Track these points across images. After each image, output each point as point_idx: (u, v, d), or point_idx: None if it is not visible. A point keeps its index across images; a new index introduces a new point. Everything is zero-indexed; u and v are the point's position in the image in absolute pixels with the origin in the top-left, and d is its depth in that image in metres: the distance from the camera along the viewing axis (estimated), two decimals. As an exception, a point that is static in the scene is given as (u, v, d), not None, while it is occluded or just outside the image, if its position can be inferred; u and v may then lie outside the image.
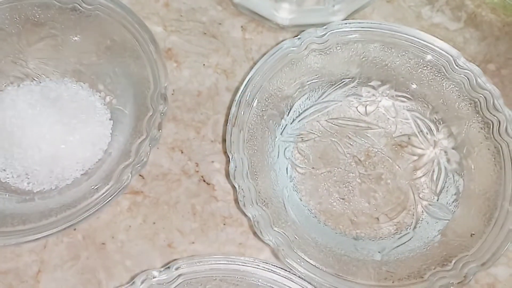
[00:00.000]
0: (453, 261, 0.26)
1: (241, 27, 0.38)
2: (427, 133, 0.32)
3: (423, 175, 0.31)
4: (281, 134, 0.32)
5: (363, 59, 0.32)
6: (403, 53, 0.32)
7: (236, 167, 0.28)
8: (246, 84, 0.30)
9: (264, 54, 0.31)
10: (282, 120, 0.32)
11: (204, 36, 0.37)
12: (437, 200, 0.30)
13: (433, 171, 0.31)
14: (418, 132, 0.32)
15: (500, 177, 0.28)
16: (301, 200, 0.31)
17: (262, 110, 0.31)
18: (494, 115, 0.29)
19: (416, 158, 0.32)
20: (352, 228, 0.30)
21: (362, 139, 0.33)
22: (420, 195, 0.31)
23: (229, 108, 0.35)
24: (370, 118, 0.33)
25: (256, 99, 0.30)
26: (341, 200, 0.31)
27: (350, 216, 0.31)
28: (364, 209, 0.31)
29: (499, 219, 0.27)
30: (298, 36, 0.32)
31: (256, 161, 0.29)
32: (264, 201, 0.27)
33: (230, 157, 0.28)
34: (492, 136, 0.29)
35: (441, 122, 0.32)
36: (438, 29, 0.39)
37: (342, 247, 0.28)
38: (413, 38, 0.31)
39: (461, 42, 0.38)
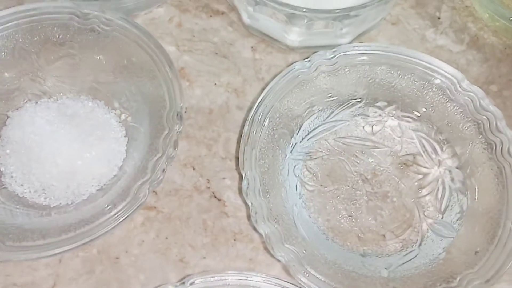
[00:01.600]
0: (458, 278, 0.27)
1: (252, 47, 0.39)
2: (432, 153, 0.34)
3: (428, 194, 0.33)
4: (291, 152, 0.33)
5: (370, 80, 0.34)
6: (409, 75, 0.33)
7: (248, 184, 0.29)
8: (258, 104, 0.32)
9: (276, 75, 0.33)
10: (292, 138, 0.33)
11: (216, 56, 0.39)
12: (442, 218, 0.31)
13: (438, 190, 0.32)
14: (423, 152, 0.34)
15: (503, 197, 0.29)
16: (310, 217, 0.32)
17: (273, 129, 0.32)
18: (497, 136, 0.30)
19: (421, 177, 0.33)
20: (359, 244, 0.31)
21: (369, 157, 0.34)
22: (425, 213, 0.32)
23: (240, 126, 0.36)
24: (377, 138, 0.35)
25: (268, 119, 0.31)
26: (348, 217, 0.32)
27: (357, 233, 0.32)
28: (371, 226, 0.32)
29: (502, 238, 0.28)
30: (308, 59, 0.33)
31: (268, 179, 0.30)
32: (276, 218, 0.29)
33: (243, 175, 0.30)
34: (495, 156, 0.30)
35: (446, 142, 0.33)
36: (442, 51, 0.40)
37: (350, 263, 0.29)
38: (418, 60, 0.33)
39: (464, 64, 0.40)
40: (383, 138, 0.35)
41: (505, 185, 0.29)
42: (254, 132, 0.31)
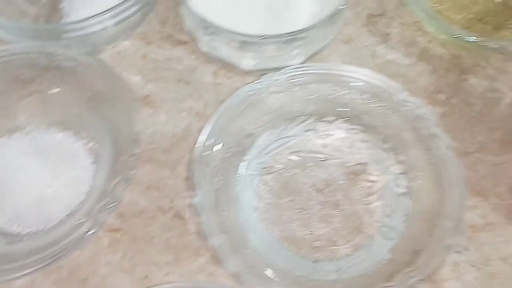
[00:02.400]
0: (399, 276, 0.29)
1: (212, 73, 0.42)
2: (379, 161, 0.36)
3: (377, 200, 0.35)
4: (246, 168, 0.35)
5: (317, 97, 0.36)
6: (353, 91, 0.35)
7: (202, 201, 0.32)
8: (211, 125, 0.34)
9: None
10: (247, 155, 0.36)
11: (179, 83, 0.42)
12: (389, 222, 0.33)
13: (385, 196, 0.34)
14: (371, 161, 0.36)
15: (441, 198, 0.31)
16: (265, 228, 0.34)
17: (227, 148, 0.34)
18: (435, 142, 0.33)
19: (370, 185, 0.35)
20: (312, 252, 0.33)
21: (321, 169, 0.36)
22: (374, 218, 0.34)
23: (200, 147, 0.39)
24: (328, 150, 0.37)
25: (221, 138, 0.34)
26: (302, 226, 0.34)
27: (311, 241, 0.34)
28: (324, 233, 0.34)
29: (440, 236, 0.30)
30: (258, 80, 0.36)
31: (222, 195, 0.33)
32: (226, 231, 0.31)
33: (196, 193, 0.32)
34: (433, 160, 0.32)
35: (391, 150, 0.35)
36: (391, 65, 0.43)
37: (301, 269, 0.31)
38: (360, 76, 0.35)
39: (414, 76, 0.42)
40: (334, 150, 0.37)
41: (442, 186, 0.31)
42: (208, 151, 0.33)
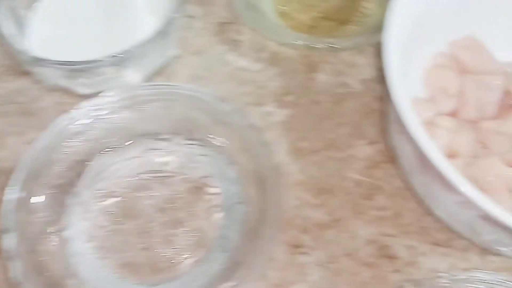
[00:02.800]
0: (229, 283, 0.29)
1: (56, 102, 0.41)
2: (219, 174, 0.36)
3: (218, 212, 0.35)
4: (78, 197, 0.35)
5: (151, 116, 0.36)
6: (183, 107, 0.35)
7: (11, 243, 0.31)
8: (23, 162, 0.33)
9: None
10: (80, 183, 0.35)
11: (22, 115, 0.41)
12: (226, 234, 0.33)
13: (225, 207, 0.35)
14: (212, 174, 0.36)
15: (264, 206, 0.31)
16: (99, 259, 0.33)
17: (55, 178, 0.34)
18: (261, 150, 0.33)
19: (212, 198, 0.35)
20: (152, 275, 0.33)
21: (165, 188, 0.36)
22: (215, 231, 0.34)
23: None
24: (170, 167, 0.37)
25: (36, 174, 0.33)
26: (143, 250, 0.34)
27: (152, 264, 0.34)
28: (166, 254, 0.34)
29: (261, 245, 0.30)
30: (79, 106, 0.36)
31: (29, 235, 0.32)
32: (41, 272, 0.30)
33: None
34: (260, 169, 0.33)
35: (228, 162, 0.35)
36: (242, 72, 0.43)
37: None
38: (183, 91, 0.35)
39: (264, 81, 0.42)
40: (176, 167, 0.37)
41: (266, 194, 0.31)
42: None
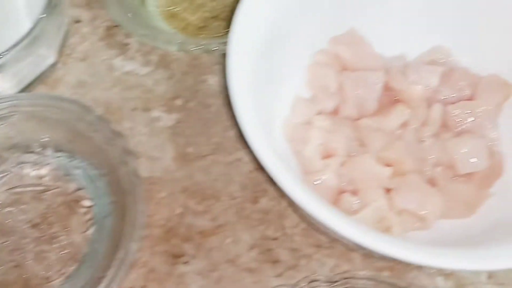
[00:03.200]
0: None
1: None
2: (91, 186, 0.35)
3: (91, 225, 0.34)
4: None
5: (15, 130, 0.35)
6: (47, 119, 0.34)
7: None
8: None
9: None
10: None
11: None
12: (96, 246, 0.33)
13: (96, 220, 0.34)
14: (86, 186, 0.35)
15: (128, 218, 0.31)
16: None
17: None
18: (122, 161, 0.32)
19: (86, 210, 0.35)
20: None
21: (39, 202, 0.35)
22: (87, 245, 0.33)
23: None
24: (46, 181, 0.36)
25: None
26: (15, 268, 0.33)
27: (24, 281, 0.33)
28: (37, 271, 0.33)
29: (124, 258, 0.29)
30: None
31: None
32: None
33: None
34: (122, 179, 0.32)
35: (99, 174, 0.35)
36: (129, 76, 0.42)
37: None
38: (48, 101, 0.34)
39: (151, 84, 0.42)
40: (52, 180, 0.36)
41: (130, 207, 0.31)
42: None
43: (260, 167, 0.38)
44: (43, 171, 0.36)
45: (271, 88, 0.35)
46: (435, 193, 0.33)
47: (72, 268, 0.33)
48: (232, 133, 0.40)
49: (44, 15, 0.36)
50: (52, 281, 0.33)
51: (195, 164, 0.38)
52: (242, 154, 0.39)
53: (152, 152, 0.39)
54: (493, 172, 0.35)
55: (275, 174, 0.28)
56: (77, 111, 0.33)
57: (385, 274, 0.35)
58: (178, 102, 0.41)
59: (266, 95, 0.34)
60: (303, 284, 0.33)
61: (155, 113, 0.40)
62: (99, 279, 0.29)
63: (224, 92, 0.41)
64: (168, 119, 0.40)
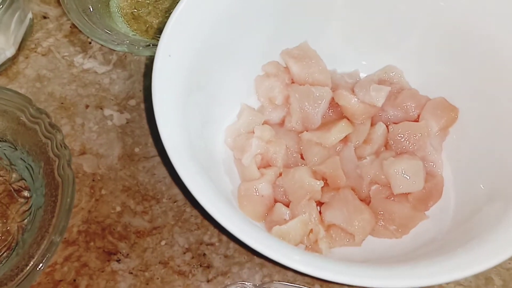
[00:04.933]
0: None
1: None
2: (31, 178, 0.37)
3: (27, 215, 0.36)
4: None
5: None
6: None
7: None
8: None
9: None
10: None
11: None
12: (26, 237, 0.35)
13: (32, 211, 0.36)
14: (27, 177, 0.37)
15: (58, 213, 0.33)
16: None
17: None
18: (57, 154, 0.34)
19: (25, 201, 0.37)
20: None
21: (-19, 190, 0.37)
22: (20, 234, 0.35)
23: None
24: (-11, 170, 0.38)
25: None
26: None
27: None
28: (-30, 257, 0.35)
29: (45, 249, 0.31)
30: None
31: None
32: None
33: None
34: (56, 172, 0.34)
35: (39, 165, 0.37)
36: (87, 74, 0.44)
37: None
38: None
39: (107, 83, 0.44)
40: (-5, 169, 0.38)
41: (60, 201, 0.33)
42: None
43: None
44: (-12, 160, 0.38)
45: (214, 97, 0.37)
46: (366, 210, 0.35)
47: (3, 254, 0.35)
48: (181, 137, 0.42)
49: (1, 6, 0.38)
50: (-17, 266, 0.35)
51: (140, 165, 0.40)
52: (188, 158, 0.41)
53: (100, 150, 0.41)
54: (430, 195, 0.37)
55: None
56: (20, 103, 0.35)
57: (316, 287, 0.37)
58: (132, 102, 0.43)
59: (206, 104, 0.36)
60: (228, 289, 0.34)
61: (108, 112, 0.42)
62: (23, 267, 0.31)
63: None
64: (119, 118, 0.42)
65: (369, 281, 0.26)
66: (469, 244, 0.29)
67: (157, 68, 0.32)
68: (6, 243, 0.35)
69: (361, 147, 0.38)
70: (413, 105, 0.39)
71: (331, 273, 0.27)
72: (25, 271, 0.31)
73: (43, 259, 0.31)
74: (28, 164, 0.37)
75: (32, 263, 0.31)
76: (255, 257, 0.37)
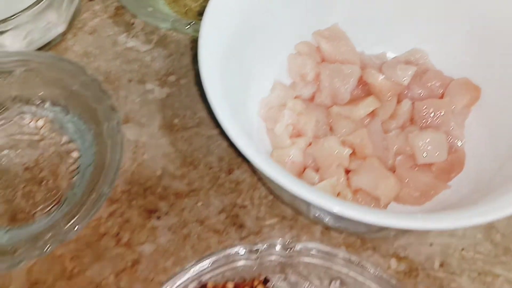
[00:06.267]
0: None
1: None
2: (80, 139, 0.41)
3: (76, 173, 0.40)
4: None
5: (19, 83, 0.41)
6: (48, 76, 0.41)
7: None
8: None
9: None
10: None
11: None
12: (76, 191, 0.39)
13: (81, 169, 0.40)
14: (76, 139, 0.42)
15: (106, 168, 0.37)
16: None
17: None
18: (107, 117, 0.39)
19: (73, 161, 0.41)
20: (9, 223, 0.39)
21: (35, 150, 0.42)
22: (69, 189, 0.40)
23: None
24: (42, 131, 0.42)
25: None
26: (5, 202, 0.40)
27: (10, 215, 0.39)
28: (25, 207, 0.39)
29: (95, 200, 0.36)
30: None
31: None
32: None
33: None
34: (106, 133, 0.38)
35: (88, 128, 0.41)
36: (130, 52, 0.49)
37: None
38: (50, 60, 0.41)
39: (149, 61, 0.48)
40: (48, 131, 0.42)
41: (108, 157, 0.37)
42: None
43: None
44: (40, 122, 0.42)
45: (249, 72, 0.41)
46: (391, 177, 0.39)
47: (54, 207, 0.39)
48: (217, 110, 0.46)
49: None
50: (36, 216, 0.39)
51: (179, 134, 0.45)
52: (222, 129, 0.45)
53: (142, 119, 0.45)
54: (452, 167, 0.41)
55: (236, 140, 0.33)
56: (73, 71, 0.40)
57: (342, 249, 0.40)
58: (171, 78, 0.48)
59: (242, 78, 0.40)
60: (261, 247, 0.38)
61: (149, 86, 0.47)
62: (73, 216, 0.35)
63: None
64: (159, 92, 0.47)
65: (416, 223, 0.30)
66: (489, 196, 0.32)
67: (202, 39, 0.36)
68: (55, 197, 0.40)
69: (387, 122, 0.42)
70: (437, 84, 0.43)
71: (376, 216, 0.30)
72: (74, 220, 0.35)
73: (93, 209, 0.35)
74: (79, 127, 0.41)
75: (81, 213, 0.35)
76: (284, 220, 0.41)
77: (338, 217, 0.33)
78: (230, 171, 0.43)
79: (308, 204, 0.35)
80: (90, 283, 0.38)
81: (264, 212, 0.41)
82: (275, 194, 0.41)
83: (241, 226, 0.41)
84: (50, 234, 0.35)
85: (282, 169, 0.32)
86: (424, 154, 0.40)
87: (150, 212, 0.41)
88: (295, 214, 0.41)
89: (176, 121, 0.45)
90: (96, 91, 0.39)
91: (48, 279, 0.38)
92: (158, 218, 0.41)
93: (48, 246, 0.35)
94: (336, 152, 0.39)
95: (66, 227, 0.36)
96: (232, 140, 0.33)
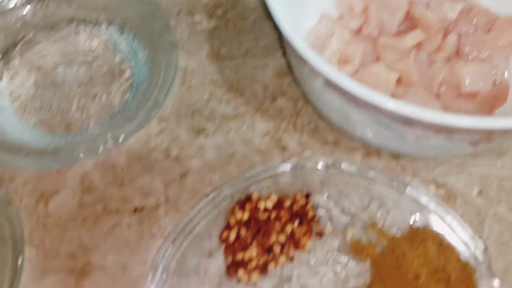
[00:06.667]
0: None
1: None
2: (134, 58, 0.43)
3: (128, 91, 0.42)
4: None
5: (76, 2, 0.44)
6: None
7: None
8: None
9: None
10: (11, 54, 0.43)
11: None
12: (129, 105, 0.41)
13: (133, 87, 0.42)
14: (129, 58, 0.44)
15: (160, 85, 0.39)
16: (21, 117, 0.41)
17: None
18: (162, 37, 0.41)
19: (126, 79, 0.43)
20: (63, 131, 0.41)
21: (88, 67, 0.44)
22: (121, 104, 0.42)
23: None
24: (97, 50, 0.44)
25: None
26: (61, 113, 0.42)
27: (65, 126, 0.41)
28: (78, 119, 0.42)
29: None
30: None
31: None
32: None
33: None
34: (160, 49, 0.40)
35: (142, 48, 0.43)
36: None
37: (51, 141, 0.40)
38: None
39: (197, -8, 0.50)
40: (102, 50, 0.44)
41: (161, 75, 0.39)
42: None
43: (283, 74, 0.45)
44: (95, 42, 0.44)
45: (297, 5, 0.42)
46: (436, 103, 0.40)
47: (105, 120, 0.41)
48: (262, 43, 0.47)
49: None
50: (87, 125, 0.41)
51: (226, 63, 0.46)
52: (268, 60, 0.46)
53: (190, 48, 0.47)
54: (496, 98, 0.41)
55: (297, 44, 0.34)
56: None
57: (382, 172, 0.41)
58: (219, 11, 0.49)
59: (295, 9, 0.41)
60: (305, 163, 0.40)
61: (197, 18, 0.49)
62: (126, 124, 0.37)
63: (261, 8, 0.49)
64: (207, 24, 0.48)
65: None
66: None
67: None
68: (108, 110, 0.42)
69: (433, 54, 0.43)
70: (484, 21, 0.44)
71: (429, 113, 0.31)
72: (127, 126, 0.37)
73: (146, 119, 0.37)
74: (133, 47, 0.43)
75: (134, 121, 0.37)
76: (326, 145, 0.43)
77: (388, 125, 0.35)
78: (274, 99, 0.45)
79: (359, 114, 0.36)
80: (139, 190, 0.40)
81: (306, 137, 0.43)
82: (321, 114, 0.42)
83: (284, 149, 0.42)
84: (104, 139, 0.37)
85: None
86: (469, 83, 0.41)
87: (198, 131, 0.43)
88: (337, 140, 0.43)
89: (223, 51, 0.47)
90: (153, 10, 0.41)
91: (100, 185, 0.40)
92: (206, 136, 0.43)
93: (101, 148, 0.37)
94: (383, 76, 0.40)
95: (119, 133, 0.38)
96: (298, 50, 0.34)
